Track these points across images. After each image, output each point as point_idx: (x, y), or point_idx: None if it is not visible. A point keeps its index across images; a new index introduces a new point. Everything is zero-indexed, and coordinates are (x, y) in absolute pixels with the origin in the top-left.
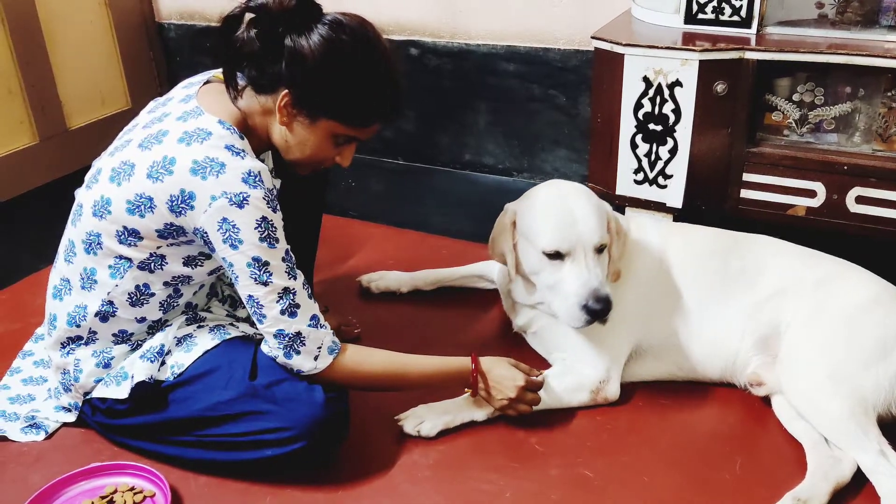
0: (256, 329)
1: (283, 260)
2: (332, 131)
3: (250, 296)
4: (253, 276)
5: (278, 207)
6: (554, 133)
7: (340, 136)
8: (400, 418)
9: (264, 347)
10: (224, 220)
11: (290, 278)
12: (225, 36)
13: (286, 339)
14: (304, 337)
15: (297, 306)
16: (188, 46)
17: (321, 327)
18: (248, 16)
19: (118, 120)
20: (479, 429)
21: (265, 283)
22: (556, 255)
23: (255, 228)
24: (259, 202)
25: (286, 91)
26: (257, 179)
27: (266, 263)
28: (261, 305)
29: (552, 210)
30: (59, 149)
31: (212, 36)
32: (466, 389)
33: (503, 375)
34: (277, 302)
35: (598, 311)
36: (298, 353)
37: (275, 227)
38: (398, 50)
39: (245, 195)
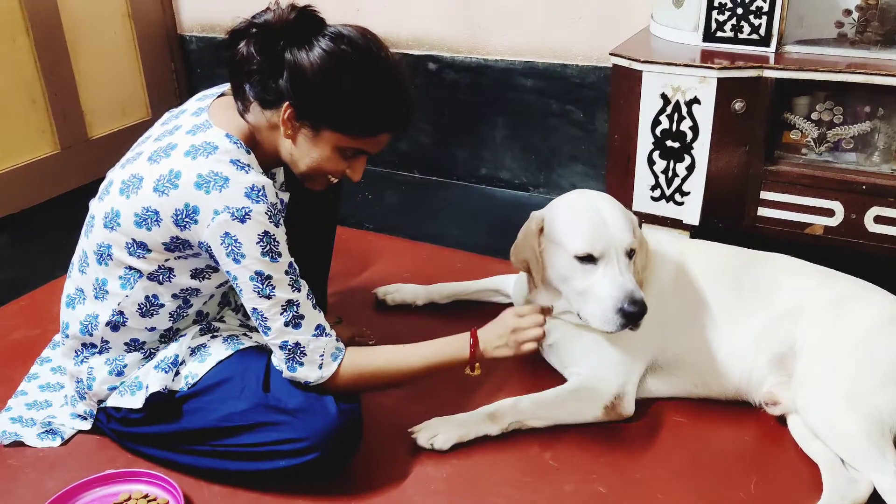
0: None
1: (286, 273)
2: (338, 144)
3: (254, 308)
4: (256, 290)
5: (281, 222)
6: (571, 148)
7: (347, 148)
8: (413, 431)
9: (273, 360)
10: (226, 234)
11: (293, 290)
12: (230, 50)
13: (288, 350)
14: (303, 347)
15: (301, 317)
16: (209, 59)
17: (326, 335)
18: (252, 31)
19: (138, 130)
20: (493, 443)
21: (268, 297)
22: (589, 259)
23: (257, 243)
24: (261, 217)
25: (288, 104)
26: (260, 194)
27: (269, 277)
28: (265, 318)
29: (583, 214)
30: (80, 158)
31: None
32: (467, 372)
33: (495, 324)
34: (281, 314)
35: (633, 313)
36: (302, 364)
37: (277, 242)
38: (403, 60)
39: (247, 210)
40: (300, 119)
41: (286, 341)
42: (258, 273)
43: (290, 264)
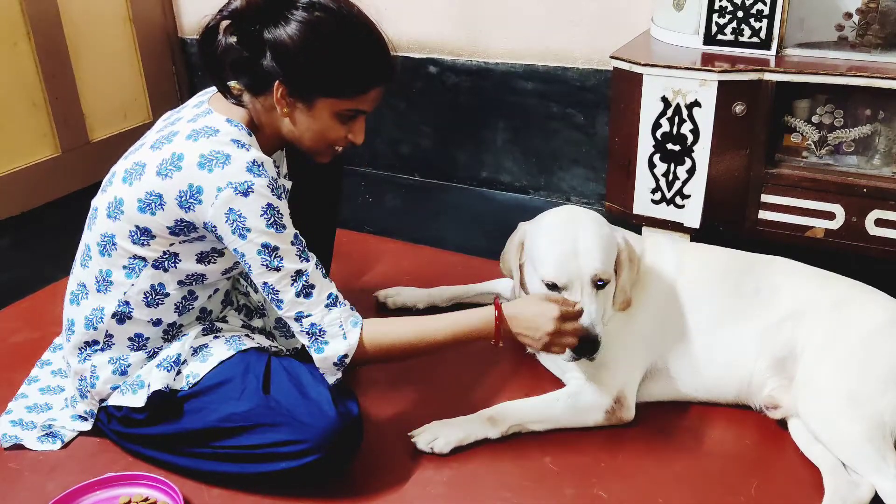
0: (272, 341)
1: (293, 244)
2: (334, 109)
3: (265, 283)
4: (265, 263)
5: (283, 196)
6: (572, 152)
7: (344, 112)
8: (413, 434)
9: (299, 336)
10: (231, 210)
11: (301, 261)
12: (207, 48)
13: (307, 333)
14: (319, 325)
15: (312, 286)
16: None
17: (340, 305)
18: (225, 24)
19: (139, 133)
20: (493, 447)
21: (277, 269)
22: (554, 287)
23: (261, 215)
24: (263, 189)
25: (279, 82)
26: (261, 168)
27: (276, 248)
28: (276, 291)
29: (556, 240)
30: (81, 161)
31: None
32: (492, 342)
33: (535, 312)
34: (292, 285)
35: (581, 349)
36: (326, 342)
37: (280, 214)
38: (374, 18)
39: (249, 184)
40: (292, 95)
41: (301, 312)
42: (265, 245)
43: (296, 235)
